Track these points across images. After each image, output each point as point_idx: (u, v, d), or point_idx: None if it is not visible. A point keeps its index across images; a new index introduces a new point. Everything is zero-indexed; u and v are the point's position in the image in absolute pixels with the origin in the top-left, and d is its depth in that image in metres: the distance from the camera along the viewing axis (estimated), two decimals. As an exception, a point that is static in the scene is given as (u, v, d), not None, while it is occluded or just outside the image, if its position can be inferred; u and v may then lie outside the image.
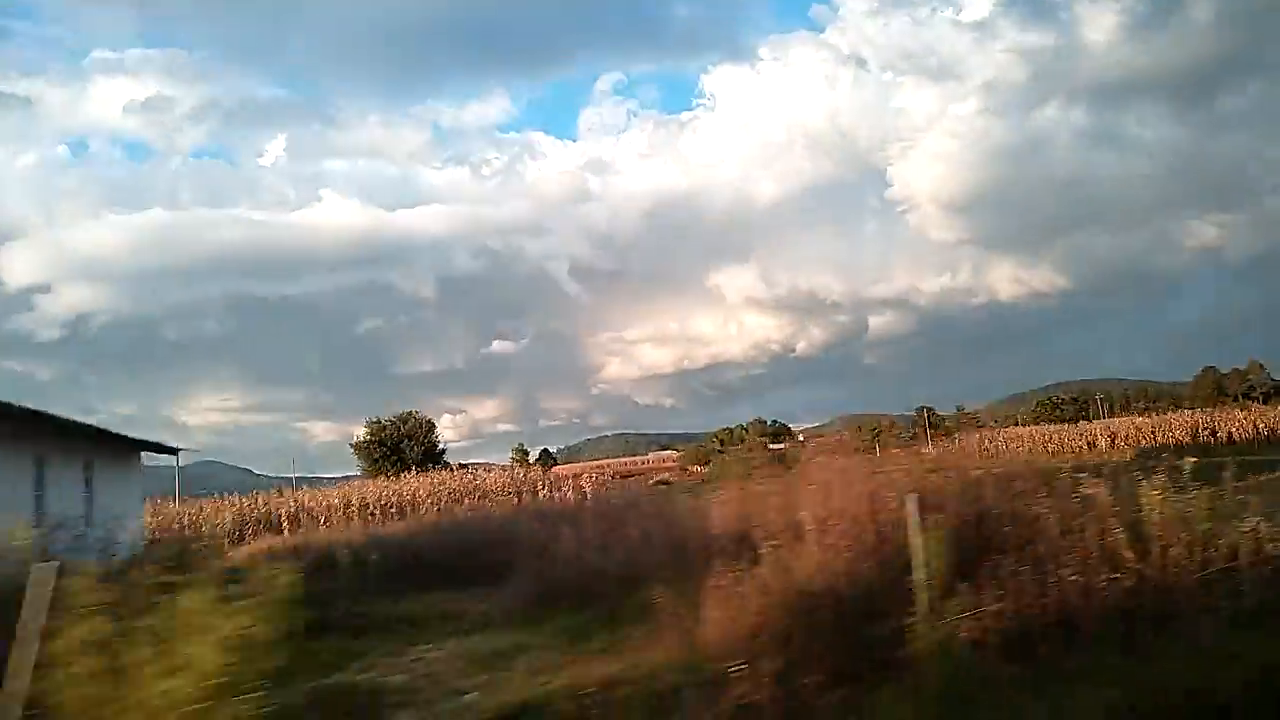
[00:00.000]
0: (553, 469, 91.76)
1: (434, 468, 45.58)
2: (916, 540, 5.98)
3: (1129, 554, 7.10)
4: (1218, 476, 8.36)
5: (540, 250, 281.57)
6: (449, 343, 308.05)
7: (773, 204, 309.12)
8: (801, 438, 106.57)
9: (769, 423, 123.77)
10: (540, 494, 32.71)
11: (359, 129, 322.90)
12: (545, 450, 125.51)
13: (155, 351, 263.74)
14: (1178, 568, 7.17)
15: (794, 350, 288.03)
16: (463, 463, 61.05)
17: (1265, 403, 61.85)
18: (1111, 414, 77.01)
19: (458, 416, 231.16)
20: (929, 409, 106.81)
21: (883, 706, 5.16)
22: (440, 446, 58.14)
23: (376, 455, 53.59)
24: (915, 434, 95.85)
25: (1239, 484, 9.33)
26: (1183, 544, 7.28)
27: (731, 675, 5.32)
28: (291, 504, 30.94)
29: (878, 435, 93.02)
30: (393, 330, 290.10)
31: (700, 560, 7.07)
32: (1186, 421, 47.51)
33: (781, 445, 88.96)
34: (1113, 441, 47.93)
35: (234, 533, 27.97)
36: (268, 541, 23.23)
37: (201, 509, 30.51)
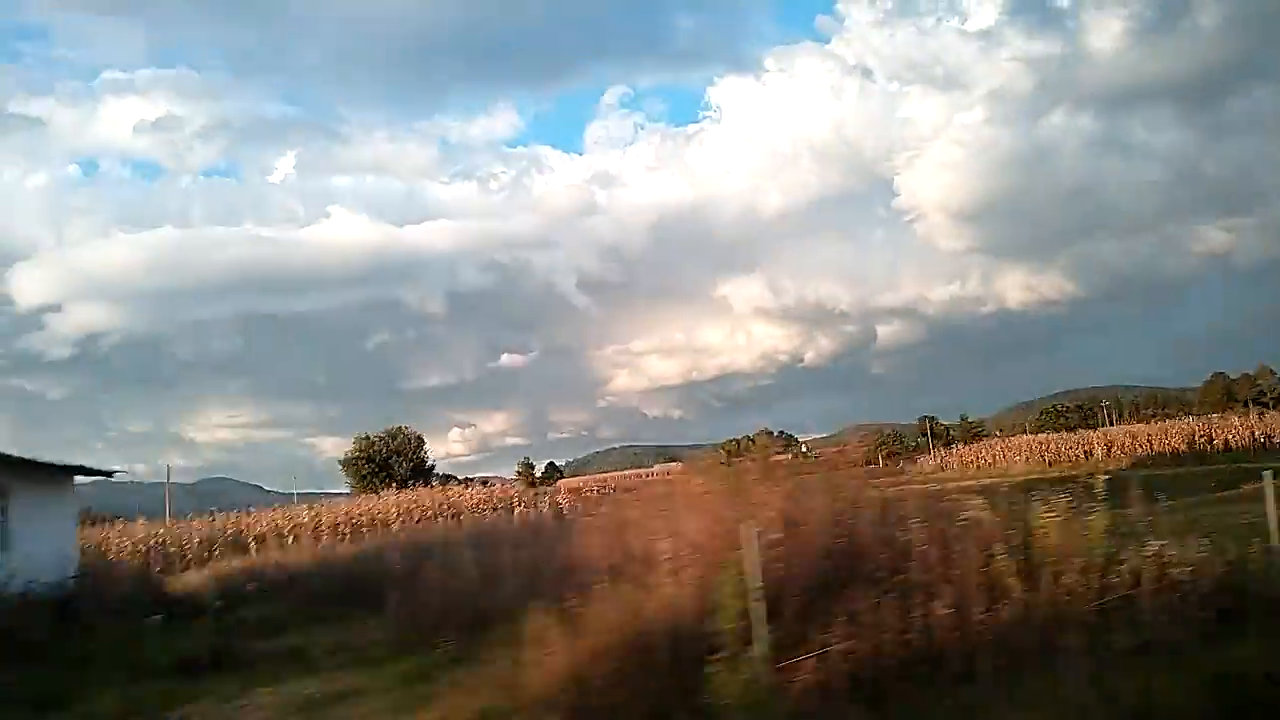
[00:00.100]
0: (558, 482, 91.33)
1: (420, 484, 45.02)
2: (754, 576, 5.49)
3: (1014, 582, 6.61)
4: (1141, 495, 7.89)
5: (548, 264, 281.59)
6: (457, 357, 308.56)
7: (780, 215, 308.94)
8: (805, 448, 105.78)
9: (776, 433, 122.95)
10: (517, 510, 32.17)
11: (367, 145, 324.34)
12: (551, 463, 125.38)
13: (165, 369, 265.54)
14: (1070, 596, 6.68)
15: (802, 360, 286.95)
16: (469, 477, 60.79)
17: (1275, 408, 60.96)
18: (1119, 421, 75.96)
19: (466, 430, 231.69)
20: (931, 419, 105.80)
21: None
22: (430, 463, 57.74)
23: (365, 471, 53.18)
24: (917, 444, 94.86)
25: (1168, 505, 8.82)
26: (1077, 570, 6.79)
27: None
28: (264, 524, 30.44)
29: (881, 446, 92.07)
30: (401, 345, 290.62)
31: (552, 593, 6.59)
32: (1184, 429, 46.68)
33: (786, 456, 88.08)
34: (1109, 450, 47.08)
35: (201, 554, 27.49)
36: (229, 564, 22.86)
37: (170, 531, 30.05)
